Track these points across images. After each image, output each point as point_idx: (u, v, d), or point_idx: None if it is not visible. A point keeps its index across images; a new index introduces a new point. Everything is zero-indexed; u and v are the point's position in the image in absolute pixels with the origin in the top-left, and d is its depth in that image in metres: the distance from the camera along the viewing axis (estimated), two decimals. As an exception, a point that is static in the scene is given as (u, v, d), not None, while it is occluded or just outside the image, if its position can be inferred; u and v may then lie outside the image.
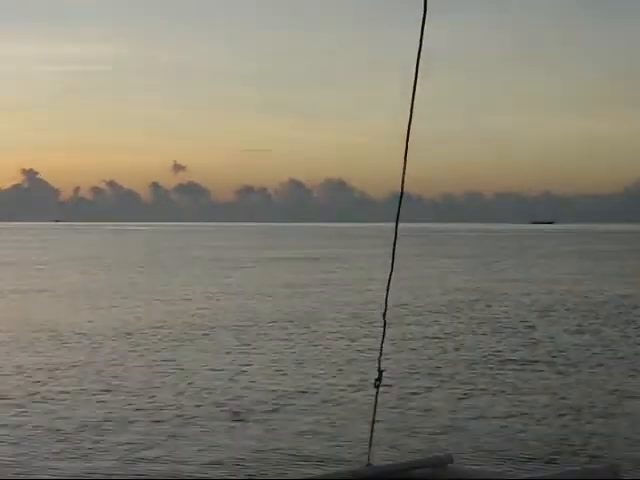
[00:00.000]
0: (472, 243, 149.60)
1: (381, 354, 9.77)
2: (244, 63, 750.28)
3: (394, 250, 9.32)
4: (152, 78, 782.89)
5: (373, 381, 9.71)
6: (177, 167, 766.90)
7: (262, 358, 25.37)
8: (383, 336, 9.83)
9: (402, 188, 9.21)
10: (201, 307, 39.53)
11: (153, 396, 20.05)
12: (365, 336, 30.26)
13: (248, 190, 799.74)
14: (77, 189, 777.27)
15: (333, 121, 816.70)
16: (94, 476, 14.16)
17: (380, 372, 9.72)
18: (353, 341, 29.00)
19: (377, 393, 9.47)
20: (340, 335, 30.34)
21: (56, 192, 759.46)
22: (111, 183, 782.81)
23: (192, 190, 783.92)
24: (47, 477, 14.33)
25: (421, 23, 8.75)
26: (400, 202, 9.19)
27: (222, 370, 23.35)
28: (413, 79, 8.91)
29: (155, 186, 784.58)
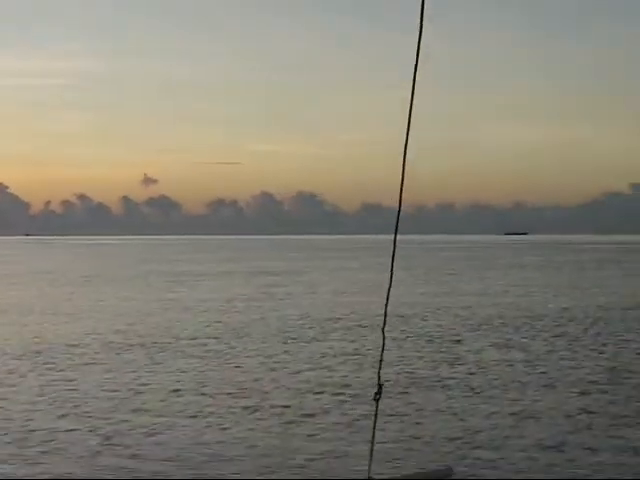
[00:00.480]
0: (438, 255, 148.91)
1: (380, 368, 9.09)
2: (216, 74, 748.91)
3: (392, 264, 8.55)
4: (125, 91, 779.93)
5: (373, 394, 9.05)
6: (148, 180, 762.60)
7: (165, 378, 24.31)
8: (382, 349, 9.15)
9: (400, 196, 8.42)
10: (129, 323, 38.41)
11: (30, 419, 19.03)
12: (285, 352, 29.34)
13: (219, 203, 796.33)
14: (47, 203, 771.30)
15: (305, 133, 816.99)
16: None
17: (380, 386, 9.03)
18: (269, 358, 28.00)
19: (377, 406, 8.81)
20: (257, 352, 29.31)
21: (26, 206, 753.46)
22: (81, 197, 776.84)
23: (163, 203, 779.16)
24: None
25: (419, 28, 7.88)
26: (399, 210, 8.44)
27: (117, 391, 22.28)
28: (411, 83, 8.12)
29: (126, 199, 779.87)
